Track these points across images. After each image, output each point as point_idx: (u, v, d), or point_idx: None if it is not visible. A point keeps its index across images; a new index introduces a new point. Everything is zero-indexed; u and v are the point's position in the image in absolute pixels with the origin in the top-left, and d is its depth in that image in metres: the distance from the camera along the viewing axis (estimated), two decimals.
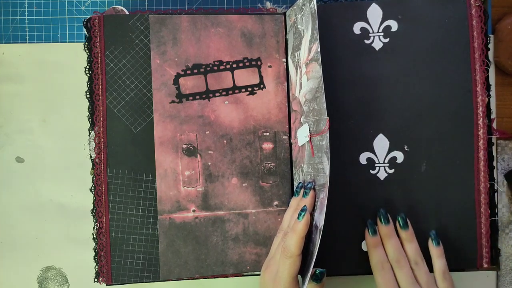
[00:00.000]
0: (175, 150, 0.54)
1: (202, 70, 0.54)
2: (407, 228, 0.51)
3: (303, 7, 0.50)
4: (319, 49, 0.46)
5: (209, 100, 0.54)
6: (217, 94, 0.54)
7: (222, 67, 0.54)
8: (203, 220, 0.54)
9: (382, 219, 0.51)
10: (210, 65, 0.54)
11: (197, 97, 0.54)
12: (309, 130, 0.48)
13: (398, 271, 0.49)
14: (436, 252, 0.51)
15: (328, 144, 0.44)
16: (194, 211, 0.54)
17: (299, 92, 0.52)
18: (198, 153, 0.54)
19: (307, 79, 0.50)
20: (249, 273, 0.55)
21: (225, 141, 0.54)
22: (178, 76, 0.54)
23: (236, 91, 0.54)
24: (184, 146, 0.54)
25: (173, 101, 0.54)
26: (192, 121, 0.54)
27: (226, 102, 0.54)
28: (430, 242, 0.51)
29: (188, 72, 0.54)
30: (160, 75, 0.54)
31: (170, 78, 0.54)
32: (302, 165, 0.52)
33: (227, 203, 0.54)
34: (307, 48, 0.50)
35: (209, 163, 0.54)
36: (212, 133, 0.54)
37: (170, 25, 0.54)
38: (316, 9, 0.47)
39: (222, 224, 0.54)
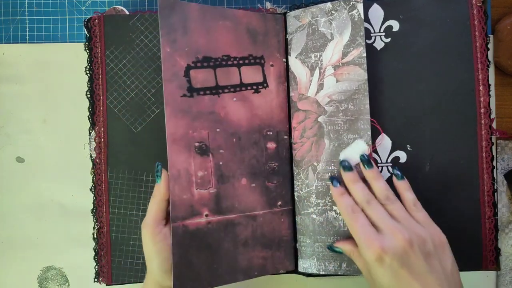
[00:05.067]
0: (188, 148, 0.50)
1: (211, 63, 0.51)
2: (372, 167, 0.48)
3: (333, 11, 0.52)
4: (364, 55, 0.50)
5: (219, 96, 0.51)
6: (226, 90, 0.52)
7: (230, 63, 0.52)
8: (216, 225, 0.50)
9: (343, 168, 0.49)
10: (219, 59, 0.52)
11: (208, 92, 0.51)
12: (367, 144, 0.50)
13: (369, 210, 0.46)
14: (402, 185, 0.48)
15: (370, 142, 0.50)
16: (207, 215, 0.50)
17: (317, 92, 0.52)
18: (210, 152, 0.51)
19: (336, 81, 0.51)
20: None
21: (234, 140, 0.52)
22: (188, 68, 0.50)
23: (243, 88, 0.53)
24: (197, 144, 0.50)
25: (184, 95, 0.50)
26: (204, 117, 0.50)
27: (234, 99, 0.52)
28: (394, 179, 0.49)
29: (199, 64, 0.50)
30: (171, 65, 0.49)
31: (181, 69, 0.50)
32: (316, 163, 0.52)
33: (237, 205, 0.51)
34: (339, 51, 0.51)
35: (221, 163, 0.51)
36: (222, 131, 0.51)
37: (179, 11, 0.50)
38: (362, 17, 0.50)
39: (233, 228, 0.51)
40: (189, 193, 0.49)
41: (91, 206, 0.56)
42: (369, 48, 0.53)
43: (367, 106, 0.50)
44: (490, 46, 0.56)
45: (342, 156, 0.50)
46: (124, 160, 0.56)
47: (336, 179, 0.49)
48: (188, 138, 0.49)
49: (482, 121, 0.52)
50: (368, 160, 0.48)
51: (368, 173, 0.48)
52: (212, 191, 0.50)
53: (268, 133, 0.53)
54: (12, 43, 0.61)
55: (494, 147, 0.53)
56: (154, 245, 0.47)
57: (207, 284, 0.49)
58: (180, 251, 0.48)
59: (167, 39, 0.49)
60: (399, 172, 0.49)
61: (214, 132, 0.51)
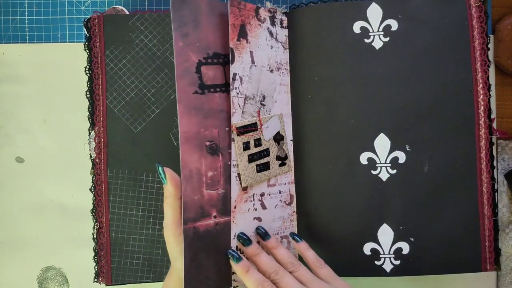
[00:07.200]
0: (200, 147, 0.47)
1: (221, 60, 0.49)
2: (269, 237, 0.49)
3: None
4: None
5: (228, 94, 0.49)
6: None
7: None
8: (223, 226, 0.48)
9: (242, 242, 0.48)
10: (228, 56, 0.49)
11: (218, 89, 0.49)
12: None
13: (281, 282, 0.46)
14: (302, 246, 0.50)
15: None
16: (215, 216, 0.48)
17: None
18: (220, 152, 0.49)
19: None
20: None
21: None
22: (200, 63, 0.48)
23: None
24: (208, 143, 0.48)
25: (196, 92, 0.47)
26: (215, 115, 0.48)
27: None
28: (293, 242, 0.51)
29: (209, 60, 0.49)
30: (183, 60, 0.47)
31: (192, 65, 0.48)
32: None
33: None
34: None
35: (229, 163, 0.49)
36: (230, 130, 0.49)
37: (191, 4, 0.48)
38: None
39: None
40: (199, 194, 0.47)
41: (91, 206, 0.56)
42: (368, 48, 0.53)
43: None
44: (490, 46, 0.56)
45: (236, 231, 0.49)
46: (124, 160, 0.56)
47: (237, 254, 0.47)
48: (200, 137, 0.48)
49: (481, 121, 0.52)
50: (265, 232, 0.49)
51: (268, 243, 0.49)
52: (221, 191, 0.48)
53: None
54: (12, 43, 0.61)
55: (494, 147, 0.53)
56: (178, 245, 0.46)
57: (216, 286, 0.48)
58: (191, 254, 0.46)
59: (179, 33, 0.47)
60: (297, 237, 0.51)
61: (224, 131, 0.49)
